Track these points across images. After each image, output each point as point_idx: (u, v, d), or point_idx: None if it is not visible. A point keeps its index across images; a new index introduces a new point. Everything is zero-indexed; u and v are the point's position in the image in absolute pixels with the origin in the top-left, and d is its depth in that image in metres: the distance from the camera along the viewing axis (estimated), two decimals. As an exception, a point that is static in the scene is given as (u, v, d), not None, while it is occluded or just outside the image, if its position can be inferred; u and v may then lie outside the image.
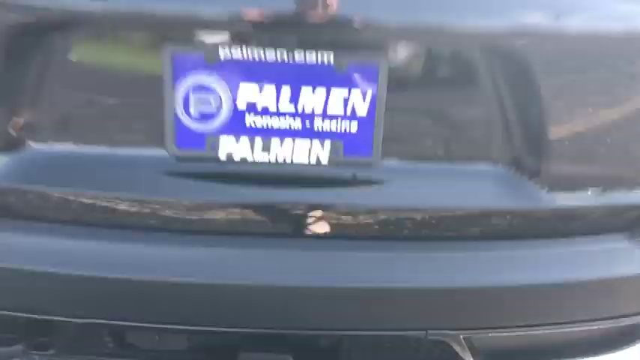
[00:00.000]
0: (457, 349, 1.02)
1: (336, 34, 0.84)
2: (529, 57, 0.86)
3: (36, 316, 0.98)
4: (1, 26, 0.83)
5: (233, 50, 0.84)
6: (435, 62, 0.91)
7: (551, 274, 0.97)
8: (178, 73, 0.86)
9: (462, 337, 1.01)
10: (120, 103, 0.91)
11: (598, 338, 1.09)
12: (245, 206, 0.96)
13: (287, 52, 0.84)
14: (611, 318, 1.04)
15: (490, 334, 1.02)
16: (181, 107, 0.88)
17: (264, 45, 0.84)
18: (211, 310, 0.96)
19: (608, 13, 0.85)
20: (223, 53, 0.85)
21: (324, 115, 0.88)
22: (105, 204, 0.93)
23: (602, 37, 0.87)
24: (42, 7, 0.81)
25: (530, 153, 0.93)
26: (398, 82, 0.87)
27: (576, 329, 1.02)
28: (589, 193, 0.97)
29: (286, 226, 0.98)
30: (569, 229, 0.99)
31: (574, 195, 0.97)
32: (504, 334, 1.02)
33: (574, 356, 1.12)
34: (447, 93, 0.92)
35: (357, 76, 0.86)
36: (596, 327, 1.03)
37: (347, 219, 0.97)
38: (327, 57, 0.84)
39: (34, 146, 0.90)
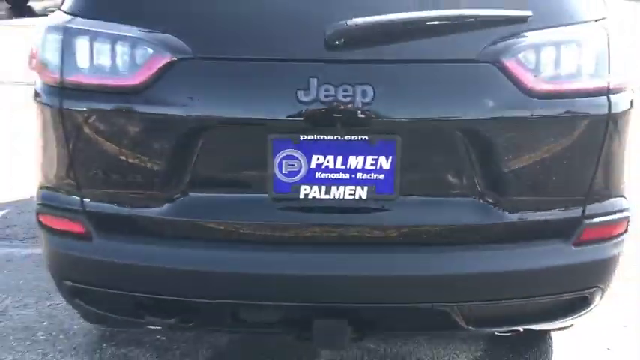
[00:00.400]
0: (453, 315, 1.57)
1: (369, 126, 1.42)
2: (486, 136, 1.43)
3: (186, 298, 1.57)
4: (181, 129, 1.44)
5: (308, 136, 1.43)
6: (431, 138, 1.48)
7: (510, 265, 1.52)
8: (276, 150, 1.45)
9: (456, 307, 1.57)
10: (241, 167, 1.50)
11: (547, 309, 1.64)
12: (314, 226, 1.53)
13: (340, 136, 1.43)
14: (554, 294, 1.58)
15: (474, 305, 1.58)
16: (277, 169, 1.46)
17: (326, 133, 1.43)
18: (294, 290, 1.54)
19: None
20: (302, 138, 1.43)
21: (364, 171, 1.46)
22: (231, 227, 1.52)
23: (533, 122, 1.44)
24: (200, 116, 1.41)
25: (491, 190, 1.49)
26: (408, 150, 1.45)
27: (527, 302, 1.57)
28: (531, 213, 1.52)
29: (340, 238, 1.54)
30: (521, 235, 1.54)
31: (522, 214, 1.52)
32: (483, 304, 1.57)
33: (531, 322, 1.67)
34: (438, 156, 1.49)
35: (383, 149, 1.43)
36: (542, 300, 1.57)
37: (378, 233, 1.54)
38: (364, 138, 1.43)
39: (192, 195, 1.50)
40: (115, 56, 1.41)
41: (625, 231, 1.60)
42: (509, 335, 1.83)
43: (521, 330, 1.76)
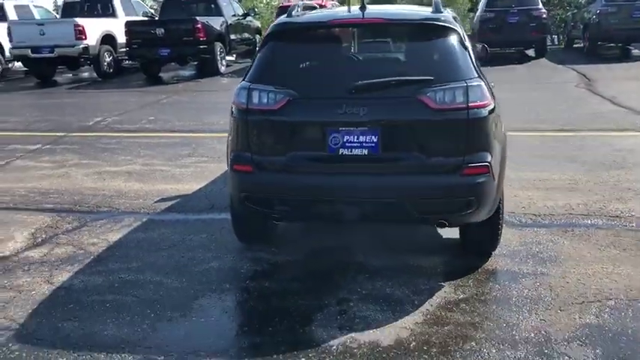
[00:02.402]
0: (409, 208, 3.57)
1: (367, 123, 3.47)
2: (416, 127, 3.48)
3: (292, 197, 3.67)
4: (292, 126, 3.59)
5: (343, 127, 3.52)
6: (394, 128, 3.49)
7: (434, 182, 3.47)
8: (328, 133, 3.53)
9: (409, 202, 3.57)
10: (314, 141, 3.59)
11: (452, 207, 3.59)
12: (345, 166, 3.58)
13: (355, 127, 3.51)
14: (454, 197, 3.53)
15: (419, 201, 3.56)
16: (329, 141, 3.54)
17: (350, 126, 3.49)
18: (337, 192, 3.58)
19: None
20: (340, 128, 3.51)
21: (366, 142, 3.48)
22: (310, 165, 3.59)
23: (434, 122, 3.46)
24: (301, 120, 3.57)
25: (421, 150, 3.46)
26: (385, 133, 3.48)
27: (443, 201, 3.53)
28: (440, 159, 3.49)
29: (356, 170, 3.56)
30: (438, 170, 3.48)
31: (436, 160, 3.47)
32: (423, 201, 3.55)
33: (447, 213, 3.62)
34: (398, 136, 3.51)
35: (373, 132, 3.48)
36: (449, 201, 3.53)
37: (372, 169, 3.54)
38: (365, 128, 3.48)
39: (293, 152, 3.57)
40: (268, 98, 3.59)
41: (487, 171, 3.54)
42: (441, 227, 3.77)
43: (447, 223, 3.72)
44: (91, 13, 15.75)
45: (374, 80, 3.49)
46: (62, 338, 3.26)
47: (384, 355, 3.02)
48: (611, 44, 15.97)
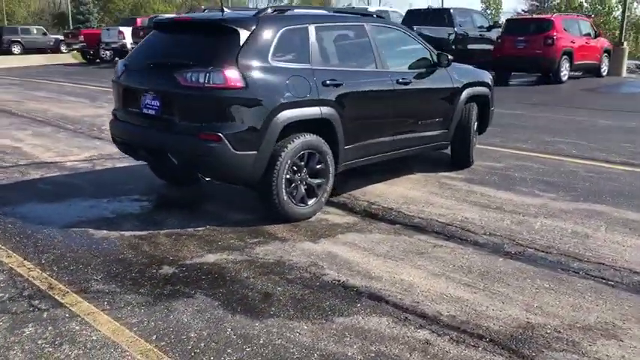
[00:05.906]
0: (169, 156, 4.82)
1: (154, 91, 4.87)
2: (175, 96, 4.72)
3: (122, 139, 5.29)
4: (122, 89, 5.23)
5: (146, 94, 4.99)
6: (167, 95, 4.73)
7: (181, 140, 4.59)
8: (141, 95, 5.03)
9: (168, 152, 4.81)
10: (134, 102, 5.14)
11: (196, 162, 4.67)
12: (143, 120, 4.91)
13: (151, 94, 4.92)
14: (192, 153, 4.61)
15: (171, 152, 4.79)
16: (142, 103, 5.04)
17: (149, 92, 4.94)
18: (139, 138, 5.03)
19: None
20: (144, 94, 5.00)
21: (153, 105, 4.78)
22: (131, 119, 5.14)
23: (187, 94, 4.60)
24: (129, 85, 5.17)
25: (174, 114, 4.69)
26: (163, 99, 4.81)
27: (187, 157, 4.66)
28: (197, 125, 4.54)
29: (148, 123, 4.90)
30: (187, 131, 4.50)
31: (187, 124, 4.54)
32: (175, 153, 4.78)
33: (192, 166, 4.72)
34: (169, 102, 4.74)
35: (156, 98, 4.80)
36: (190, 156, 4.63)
37: (156, 124, 4.79)
38: (153, 94, 4.86)
39: (124, 108, 5.21)
40: (119, 68, 5.24)
41: (219, 139, 4.47)
42: (204, 179, 4.83)
43: (205, 177, 4.80)
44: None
45: (154, 60, 4.87)
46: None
47: (116, 243, 4.41)
48: None
